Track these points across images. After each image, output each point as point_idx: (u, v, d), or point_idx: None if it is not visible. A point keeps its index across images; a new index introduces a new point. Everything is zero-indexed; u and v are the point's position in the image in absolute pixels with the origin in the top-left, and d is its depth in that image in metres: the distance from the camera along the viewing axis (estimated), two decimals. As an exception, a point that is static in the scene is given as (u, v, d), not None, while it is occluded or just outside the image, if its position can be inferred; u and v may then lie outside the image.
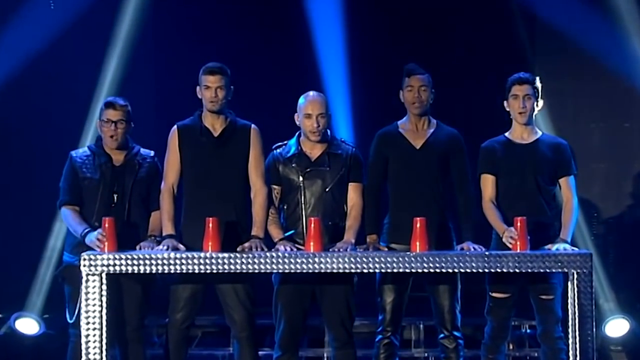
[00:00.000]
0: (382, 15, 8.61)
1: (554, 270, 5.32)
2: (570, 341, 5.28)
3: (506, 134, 5.86)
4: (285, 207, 5.77)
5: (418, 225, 5.37)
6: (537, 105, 5.81)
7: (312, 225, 5.38)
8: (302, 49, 8.47)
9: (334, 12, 8.49)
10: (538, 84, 5.86)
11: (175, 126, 5.81)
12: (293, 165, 5.73)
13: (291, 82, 7.68)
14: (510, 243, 5.41)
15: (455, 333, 5.80)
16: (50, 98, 8.09)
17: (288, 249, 5.44)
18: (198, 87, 5.76)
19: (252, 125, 5.81)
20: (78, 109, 7.92)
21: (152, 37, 8.61)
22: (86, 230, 5.59)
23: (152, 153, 5.93)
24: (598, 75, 8.37)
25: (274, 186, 5.76)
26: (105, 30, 8.25)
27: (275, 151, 5.81)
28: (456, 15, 8.53)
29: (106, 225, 5.40)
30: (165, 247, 5.46)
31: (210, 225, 5.37)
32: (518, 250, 5.34)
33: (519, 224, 5.37)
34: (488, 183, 5.79)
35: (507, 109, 5.83)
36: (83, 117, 7.88)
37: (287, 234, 5.68)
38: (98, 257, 5.26)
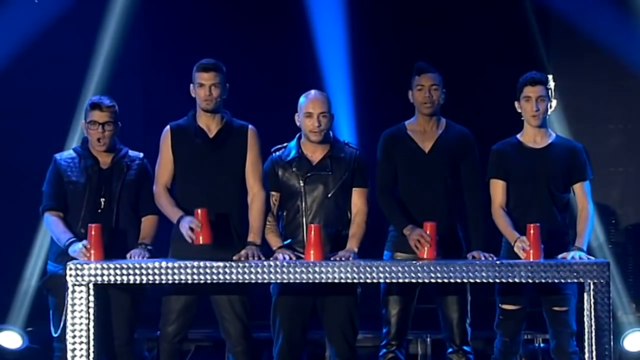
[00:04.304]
0: (387, 11, 8.63)
1: (569, 281, 5.34)
2: (586, 356, 5.30)
3: (518, 136, 5.88)
4: (284, 213, 5.78)
5: (428, 230, 5.40)
6: (550, 106, 5.83)
7: (312, 232, 5.40)
8: (302, 45, 8.48)
9: (336, 6, 8.52)
10: (551, 83, 5.87)
11: (168, 126, 5.83)
12: (293, 169, 5.74)
13: (290, 80, 7.73)
14: (522, 255, 5.43)
15: (465, 348, 5.81)
16: (33, 97, 8.11)
17: (287, 257, 5.47)
18: (192, 85, 5.77)
19: (250, 126, 5.83)
20: (63, 109, 7.94)
21: (142, 32, 8.63)
22: (70, 240, 5.59)
23: (141, 155, 5.94)
24: (617, 73, 8.40)
25: (273, 192, 5.77)
26: (92, 25, 8.28)
27: (274, 154, 5.82)
28: (466, 11, 8.54)
29: (92, 232, 5.43)
30: (187, 226, 5.41)
31: (200, 215, 5.39)
32: (530, 259, 5.37)
33: (532, 231, 5.40)
34: (498, 188, 5.80)
35: (519, 111, 5.84)
36: (68, 118, 7.90)
37: (285, 243, 5.71)
38: (85, 266, 5.28)
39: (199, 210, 5.42)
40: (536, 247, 5.39)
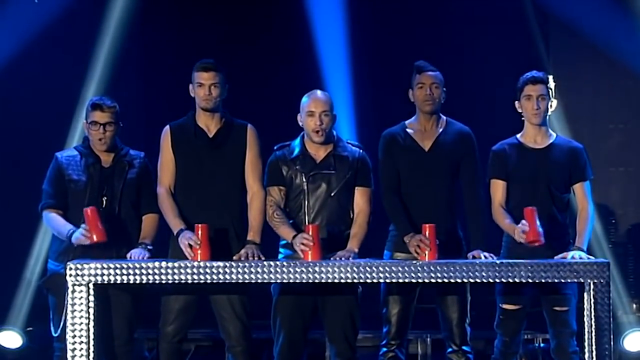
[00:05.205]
0: (387, 11, 8.63)
1: (569, 280, 5.34)
2: (586, 356, 5.29)
3: (518, 136, 5.87)
4: (287, 211, 5.77)
5: (427, 232, 5.40)
6: (550, 105, 5.83)
7: (311, 232, 5.40)
8: (302, 45, 8.48)
9: (336, 7, 8.51)
10: (551, 83, 5.87)
11: (167, 126, 5.84)
12: (297, 167, 5.73)
13: (291, 80, 7.73)
14: (522, 237, 5.43)
15: (465, 348, 5.81)
16: (34, 96, 8.10)
17: (304, 246, 5.40)
18: (191, 86, 5.78)
19: (249, 125, 5.83)
20: (64, 108, 7.94)
21: (142, 31, 8.63)
22: (71, 230, 5.58)
23: (142, 154, 5.93)
24: (616, 73, 8.39)
25: (281, 187, 5.74)
26: (92, 25, 8.28)
27: (277, 152, 5.80)
28: (466, 11, 8.54)
29: (88, 214, 5.43)
30: (187, 243, 5.43)
31: (200, 232, 5.39)
32: (531, 240, 5.37)
33: (528, 213, 5.40)
34: (498, 188, 5.80)
35: (519, 110, 5.84)
36: (69, 116, 7.90)
37: (282, 243, 5.72)
38: (85, 266, 5.28)
39: (199, 226, 5.41)
40: (534, 228, 5.38)
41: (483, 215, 5.79)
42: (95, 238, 5.43)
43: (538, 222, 5.42)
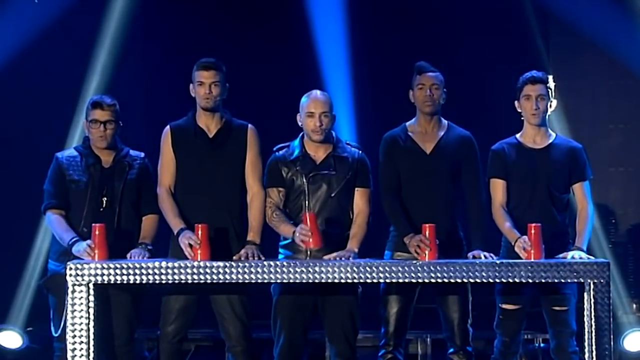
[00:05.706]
0: (387, 11, 8.63)
1: (569, 280, 5.33)
2: (586, 356, 5.28)
3: (517, 136, 5.88)
4: (286, 212, 5.77)
5: (427, 232, 5.39)
6: (550, 105, 5.83)
7: (308, 220, 5.40)
8: (302, 45, 8.48)
9: (336, 7, 8.51)
10: (551, 83, 5.87)
11: (168, 126, 5.84)
12: (297, 167, 5.73)
13: (291, 80, 7.73)
14: (522, 254, 5.42)
15: (467, 348, 5.81)
16: (34, 96, 8.12)
17: (303, 238, 5.40)
18: (191, 85, 5.78)
19: (249, 125, 5.83)
20: (64, 108, 7.94)
21: (142, 31, 8.62)
22: (74, 239, 5.58)
23: (142, 154, 5.93)
24: (617, 73, 8.40)
25: (280, 188, 5.76)
26: (92, 25, 8.28)
27: (277, 153, 5.81)
28: (466, 11, 8.54)
29: (96, 232, 5.42)
30: (187, 242, 5.42)
31: (200, 232, 5.40)
32: (532, 260, 5.36)
33: (532, 231, 5.40)
34: (498, 188, 5.80)
35: (519, 110, 5.84)
36: (69, 116, 7.91)
37: (282, 243, 5.72)
38: (85, 266, 5.27)
39: (199, 226, 5.41)
40: (537, 247, 5.38)
41: (484, 215, 5.79)
42: (97, 258, 5.42)
43: (541, 241, 5.39)
